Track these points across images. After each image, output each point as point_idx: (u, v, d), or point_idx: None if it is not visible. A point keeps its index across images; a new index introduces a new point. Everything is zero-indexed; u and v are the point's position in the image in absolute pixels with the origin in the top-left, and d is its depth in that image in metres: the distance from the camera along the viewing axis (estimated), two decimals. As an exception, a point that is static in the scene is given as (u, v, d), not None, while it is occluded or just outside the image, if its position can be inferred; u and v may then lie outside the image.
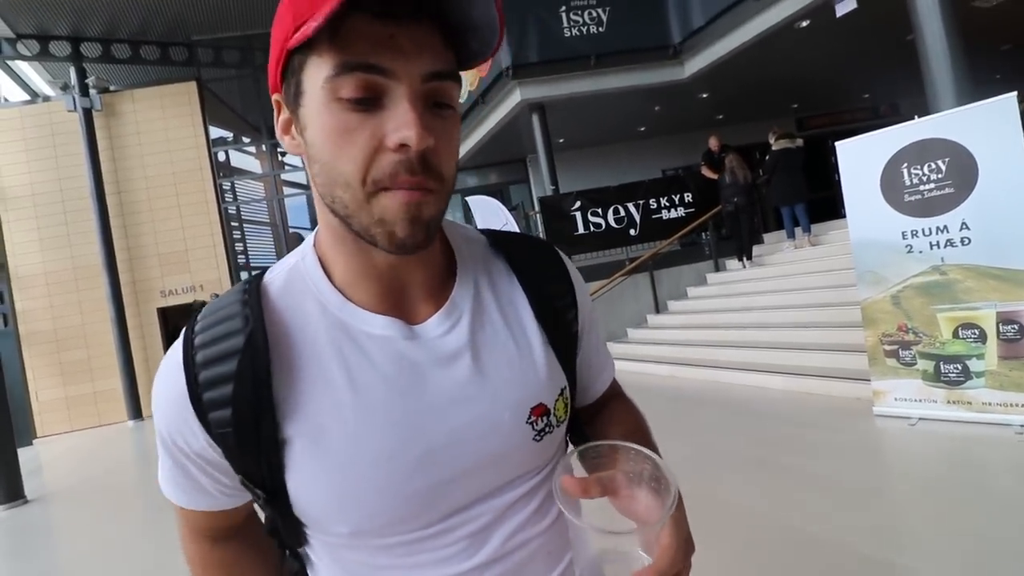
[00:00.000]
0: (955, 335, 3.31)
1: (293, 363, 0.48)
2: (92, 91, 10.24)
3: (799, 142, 7.13)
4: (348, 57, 0.42)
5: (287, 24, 0.43)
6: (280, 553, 0.61)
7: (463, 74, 0.51)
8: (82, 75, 10.19)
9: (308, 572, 0.58)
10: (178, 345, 0.50)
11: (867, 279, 3.70)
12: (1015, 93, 3.10)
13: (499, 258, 0.60)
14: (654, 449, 0.55)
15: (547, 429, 0.54)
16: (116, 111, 10.66)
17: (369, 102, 0.43)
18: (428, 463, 0.48)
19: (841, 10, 6.32)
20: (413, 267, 0.52)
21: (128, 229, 10.52)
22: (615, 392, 0.71)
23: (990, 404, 3.20)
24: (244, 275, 11.41)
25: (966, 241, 3.27)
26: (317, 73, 0.43)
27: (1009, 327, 3.12)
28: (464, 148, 10.12)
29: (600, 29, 8.00)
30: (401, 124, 0.42)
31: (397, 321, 0.51)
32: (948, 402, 3.36)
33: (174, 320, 11.76)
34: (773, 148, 7.10)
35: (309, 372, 0.48)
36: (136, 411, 10.13)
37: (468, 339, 0.52)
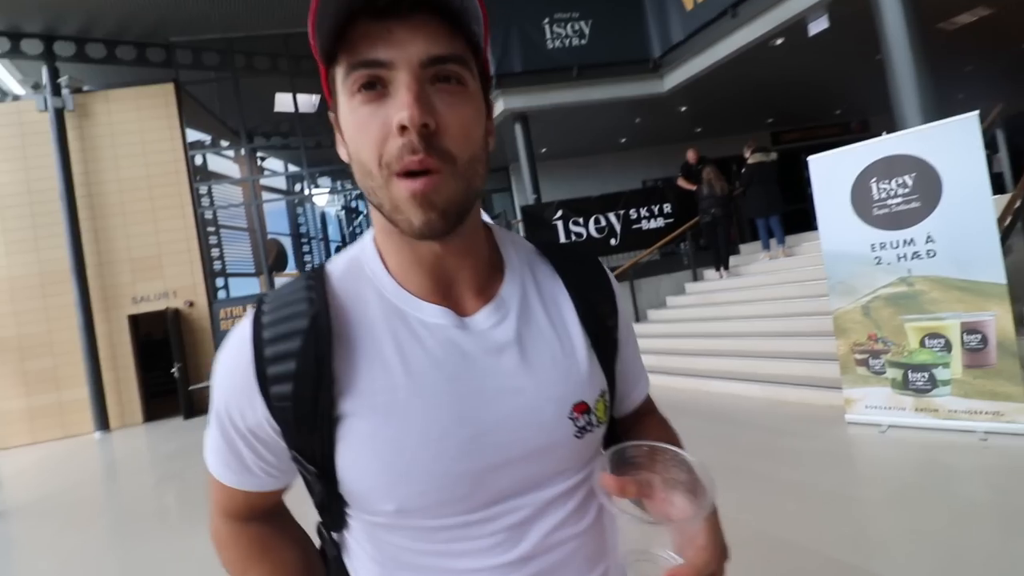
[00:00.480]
0: (922, 344, 3.41)
1: (352, 344, 0.51)
2: (64, 91, 9.99)
3: (773, 156, 7.30)
4: (354, 57, 0.46)
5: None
6: (318, 539, 0.63)
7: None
8: (54, 74, 9.94)
9: (344, 559, 0.59)
10: (246, 323, 0.53)
11: (838, 290, 3.80)
12: (977, 112, 3.23)
13: (545, 263, 0.62)
14: None
15: (588, 427, 0.56)
16: (89, 112, 10.42)
17: (376, 94, 0.46)
18: (475, 447, 0.50)
19: (813, 29, 6.53)
20: (459, 260, 0.55)
21: (99, 233, 10.24)
22: (650, 408, 0.73)
23: (956, 412, 3.30)
24: (220, 281, 11.19)
25: (931, 253, 3.38)
26: (340, 79, 0.48)
27: (972, 337, 3.22)
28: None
29: (582, 41, 8.12)
30: (400, 106, 0.45)
31: (449, 311, 0.54)
32: (916, 410, 3.45)
33: (145, 328, 11.45)
34: (748, 162, 7.26)
35: (366, 353, 0.51)
36: (103, 422, 9.82)
37: (515, 334, 0.55)
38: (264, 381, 0.50)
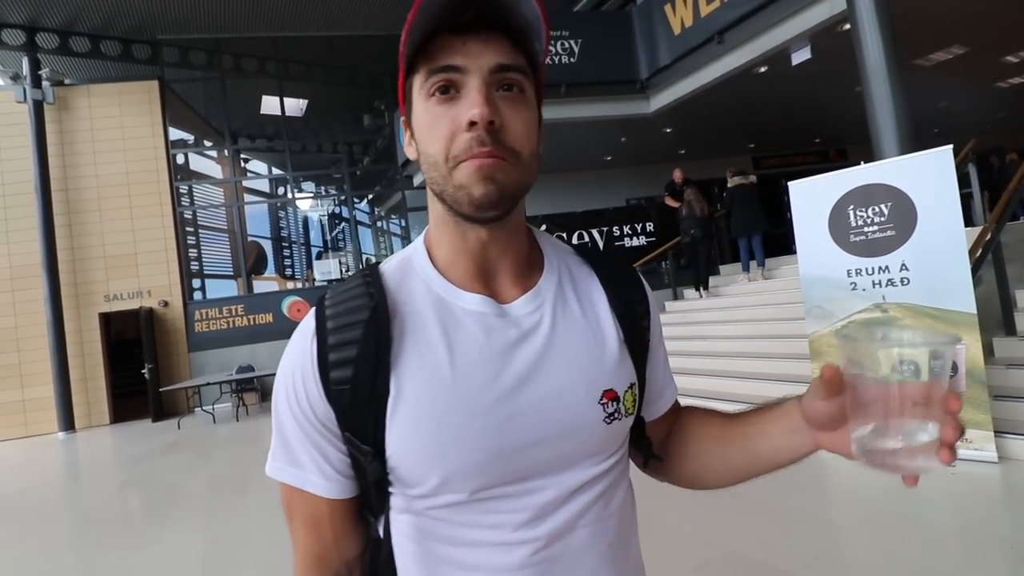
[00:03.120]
0: (893, 370, 3.47)
1: (403, 331, 0.57)
2: (45, 83, 9.79)
3: (752, 179, 7.47)
4: (433, 64, 0.54)
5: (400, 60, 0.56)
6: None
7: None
8: (35, 66, 9.75)
9: (381, 541, 0.61)
10: (310, 316, 0.59)
11: (815, 313, 3.87)
12: (951, 146, 3.34)
13: (583, 263, 0.68)
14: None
15: (616, 415, 0.59)
16: (70, 105, 10.22)
17: (449, 97, 0.54)
18: (513, 424, 0.55)
19: (797, 59, 6.72)
20: (501, 250, 0.61)
21: (73, 228, 10.00)
22: (683, 406, 0.77)
23: (924, 437, 3.36)
24: (196, 282, 10.98)
25: (905, 281, 3.46)
26: (417, 85, 0.56)
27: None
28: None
29: (572, 60, 8.23)
30: (470, 105, 0.52)
31: (489, 299, 0.59)
32: (887, 434, 3.51)
33: (117, 326, 11.15)
34: (729, 185, 7.42)
35: (416, 338, 0.57)
36: (68, 422, 9.50)
37: (550, 321, 0.60)
38: (325, 367, 0.55)
